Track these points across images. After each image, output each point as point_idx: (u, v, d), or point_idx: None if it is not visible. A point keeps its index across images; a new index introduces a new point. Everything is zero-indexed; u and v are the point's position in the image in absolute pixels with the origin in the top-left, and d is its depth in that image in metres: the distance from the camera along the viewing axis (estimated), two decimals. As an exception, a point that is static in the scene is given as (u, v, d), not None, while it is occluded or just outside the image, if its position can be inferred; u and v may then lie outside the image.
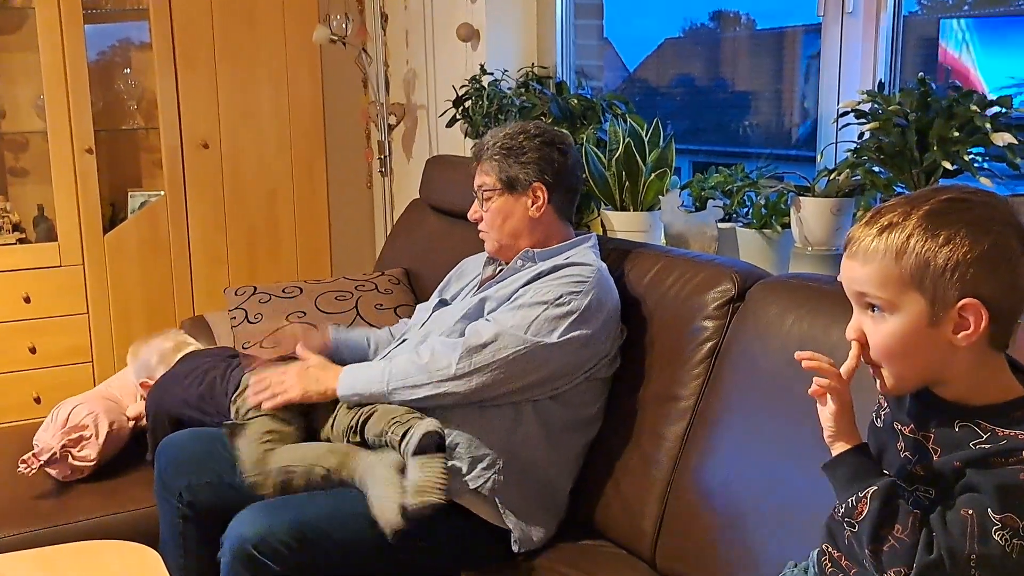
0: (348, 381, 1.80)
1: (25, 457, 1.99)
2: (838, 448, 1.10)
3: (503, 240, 1.93)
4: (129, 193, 3.41)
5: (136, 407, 2.17)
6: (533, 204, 1.89)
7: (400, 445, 1.64)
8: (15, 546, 1.76)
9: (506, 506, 1.75)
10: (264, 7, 3.37)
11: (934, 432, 1.06)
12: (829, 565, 1.17)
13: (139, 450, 2.12)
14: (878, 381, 1.08)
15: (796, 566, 1.25)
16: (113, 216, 3.36)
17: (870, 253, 1.03)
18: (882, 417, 1.16)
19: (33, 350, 3.12)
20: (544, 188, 1.88)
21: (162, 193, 3.34)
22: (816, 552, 1.21)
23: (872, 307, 1.05)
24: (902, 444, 1.09)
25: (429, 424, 1.65)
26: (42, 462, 1.98)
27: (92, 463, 2.04)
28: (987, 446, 0.99)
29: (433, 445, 1.64)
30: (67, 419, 2.04)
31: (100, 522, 1.93)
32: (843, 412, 1.09)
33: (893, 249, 1.01)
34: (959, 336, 1.00)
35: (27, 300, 3.13)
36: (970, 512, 0.97)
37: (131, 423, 2.15)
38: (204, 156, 3.35)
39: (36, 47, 3.08)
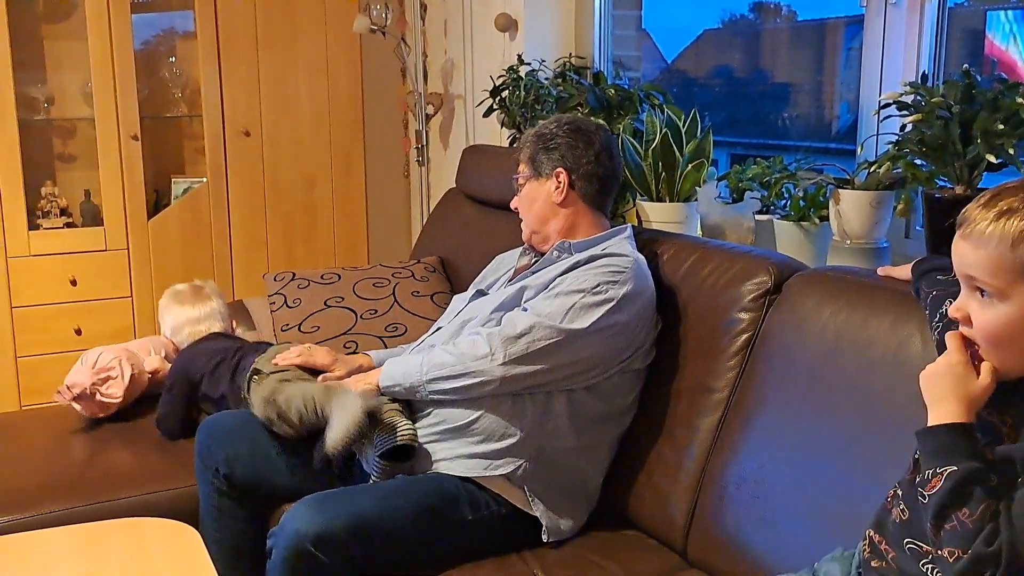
0: (388, 371, 1.83)
1: (60, 389, 2.17)
2: (937, 415, 1.05)
3: (532, 225, 1.97)
4: (172, 179, 3.47)
5: (152, 361, 2.32)
6: (556, 189, 1.93)
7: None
8: (58, 521, 1.79)
9: (535, 495, 1.76)
10: (306, -2, 3.41)
11: (1011, 418, 1.03)
12: (868, 550, 1.16)
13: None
14: (991, 364, 1.04)
15: (844, 553, 1.25)
16: (157, 202, 3.43)
17: (985, 237, 1.00)
18: None
19: (79, 332, 3.19)
20: (565, 172, 1.92)
21: (204, 180, 3.39)
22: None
23: (981, 291, 1.03)
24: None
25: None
26: (75, 395, 2.16)
27: (118, 400, 2.22)
28: None
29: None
30: (95, 361, 2.23)
31: (142, 500, 1.97)
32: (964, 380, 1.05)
33: (1009, 237, 0.98)
34: None
35: (73, 283, 3.20)
36: None
37: (148, 375, 2.30)
38: (245, 144, 3.39)
39: (84, 35, 3.15)
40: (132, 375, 2.24)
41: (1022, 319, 1.00)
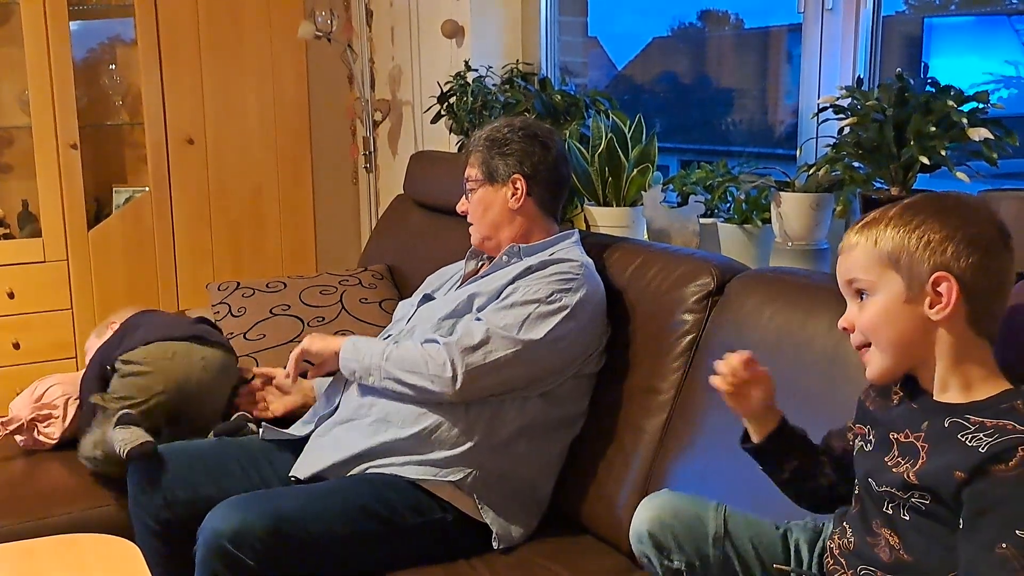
0: (350, 347, 1.83)
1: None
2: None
3: (485, 231, 1.94)
4: (114, 189, 3.39)
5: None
6: (512, 195, 1.90)
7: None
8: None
9: (485, 502, 1.76)
10: (249, 3, 3.37)
11: (924, 431, 1.08)
12: (830, 561, 1.20)
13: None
14: (867, 368, 1.14)
15: (815, 525, 1.30)
16: (98, 212, 3.35)
17: (852, 245, 1.13)
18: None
19: (17, 345, 3.10)
20: (523, 179, 1.90)
21: (147, 189, 3.33)
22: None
23: (861, 295, 1.13)
24: (896, 451, 1.10)
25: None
26: (8, 431, 2.12)
27: (54, 440, 2.14)
28: (982, 442, 1.01)
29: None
30: (42, 396, 2.16)
31: (80, 516, 1.91)
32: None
33: (873, 237, 1.11)
34: (934, 311, 1.06)
35: (11, 295, 3.11)
36: (1004, 547, 0.97)
37: None
38: (189, 152, 3.34)
39: (21, 42, 3.07)
40: (77, 414, 2.14)
41: (892, 305, 1.09)
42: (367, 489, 1.71)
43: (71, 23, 3.13)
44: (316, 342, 1.90)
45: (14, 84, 3.22)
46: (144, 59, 3.23)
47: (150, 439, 1.81)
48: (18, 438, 2.15)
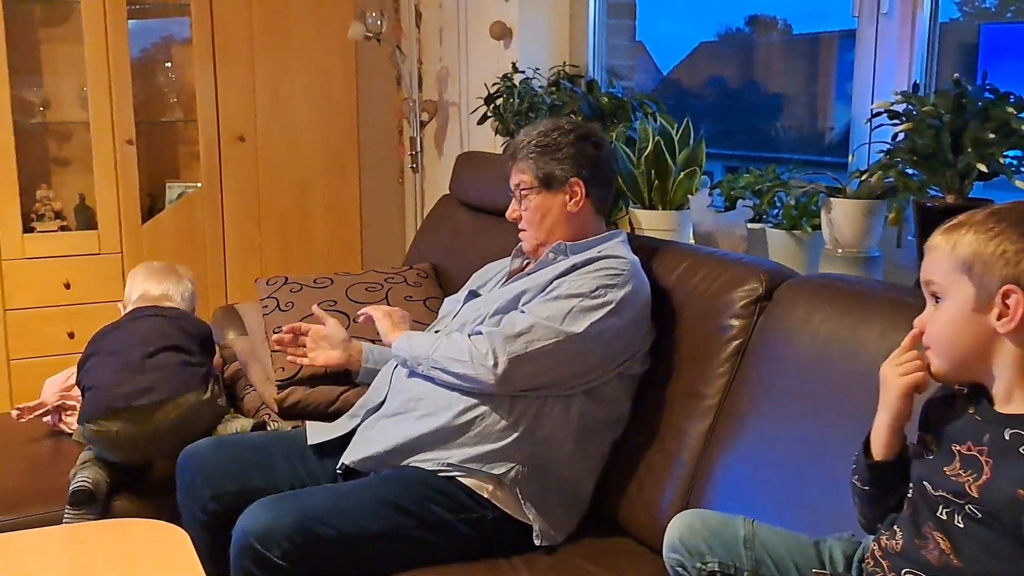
0: (404, 338, 1.89)
1: (21, 407, 2.22)
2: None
3: (542, 237, 1.92)
4: (167, 184, 3.47)
5: None
6: (571, 199, 1.89)
7: None
8: (47, 523, 1.80)
9: (527, 499, 1.76)
10: (301, 4, 3.42)
11: (986, 444, 1.07)
12: (871, 563, 1.18)
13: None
14: (930, 365, 1.14)
15: (851, 537, 1.28)
16: (151, 206, 3.42)
17: (934, 246, 1.13)
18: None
19: (72, 335, 3.18)
20: (581, 183, 1.89)
21: (199, 184, 3.40)
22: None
23: (936, 298, 1.13)
24: (957, 463, 1.09)
25: None
26: (32, 416, 2.22)
27: (71, 431, 2.21)
28: None
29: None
30: (66, 379, 2.24)
31: (131, 502, 1.97)
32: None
33: (953, 241, 1.10)
34: (1000, 323, 1.06)
35: (67, 286, 3.20)
36: None
37: None
38: (240, 149, 3.40)
39: (81, 40, 3.15)
40: None
41: (961, 312, 1.09)
42: (400, 486, 1.72)
43: (129, 22, 3.19)
44: (383, 321, 2.00)
45: (73, 80, 3.30)
46: (198, 58, 3.30)
47: (87, 486, 1.92)
48: (46, 419, 2.23)
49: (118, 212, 3.23)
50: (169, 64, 3.52)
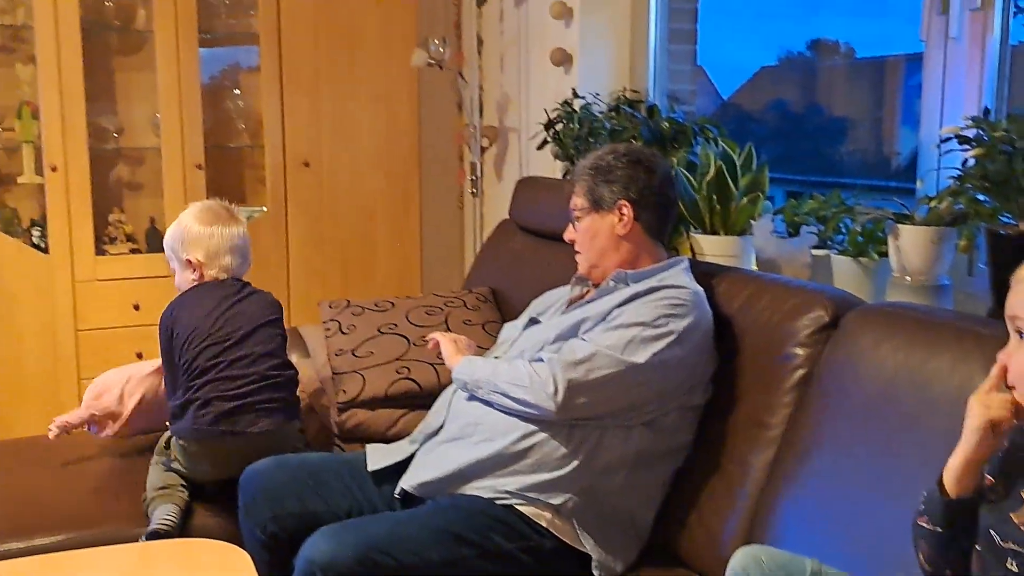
0: (465, 364, 1.91)
1: (59, 424, 2.18)
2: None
3: (593, 259, 1.94)
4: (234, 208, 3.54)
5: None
6: (619, 221, 1.90)
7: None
8: (111, 541, 1.82)
9: (584, 529, 1.75)
10: (366, 33, 3.49)
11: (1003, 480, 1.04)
12: None
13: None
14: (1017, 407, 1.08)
15: None
16: (218, 230, 3.50)
17: (1019, 279, 1.08)
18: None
19: (140, 355, 3.25)
20: (629, 205, 1.89)
21: (264, 209, 3.47)
22: None
23: (1021, 335, 1.08)
24: None
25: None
26: (66, 432, 2.19)
27: (111, 436, 2.23)
28: None
29: None
30: (101, 395, 2.22)
31: (194, 523, 1.99)
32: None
33: None
34: None
35: (136, 308, 3.28)
36: None
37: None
38: (305, 174, 3.47)
39: (154, 68, 3.26)
40: (136, 408, 2.20)
41: None
42: (459, 515, 1.72)
43: (199, 50, 3.29)
44: (447, 346, 2.03)
45: (146, 107, 3.41)
46: (266, 85, 3.38)
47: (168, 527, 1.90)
48: (88, 429, 2.23)
49: (187, 235, 3.31)
50: (238, 91, 3.61)
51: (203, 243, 2.13)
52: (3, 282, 3.17)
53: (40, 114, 3.14)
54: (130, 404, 2.20)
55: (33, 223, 3.30)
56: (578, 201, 1.95)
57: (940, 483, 1.14)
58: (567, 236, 2.00)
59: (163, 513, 1.92)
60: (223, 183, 3.53)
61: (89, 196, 3.21)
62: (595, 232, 1.92)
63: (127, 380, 2.24)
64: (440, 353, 2.06)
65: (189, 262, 2.13)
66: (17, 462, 2.23)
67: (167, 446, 2.08)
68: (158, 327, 2.12)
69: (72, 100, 3.14)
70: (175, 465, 2.04)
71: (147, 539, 1.87)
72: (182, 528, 1.93)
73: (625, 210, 1.89)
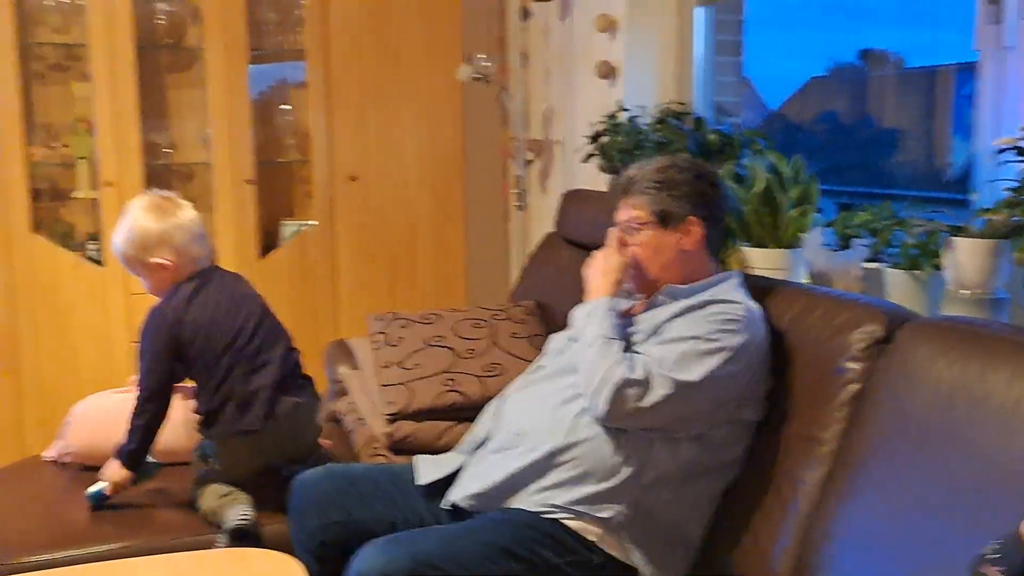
0: (585, 311, 1.87)
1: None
2: None
3: (655, 273, 1.89)
4: (282, 222, 3.60)
5: None
6: (686, 237, 1.87)
7: None
8: (166, 550, 1.86)
9: (633, 543, 1.74)
10: (411, 48, 3.53)
11: None
12: None
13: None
14: None
15: None
16: (268, 243, 3.56)
17: None
18: None
19: (189, 367, 3.32)
20: (699, 222, 1.87)
21: (313, 223, 3.52)
22: None
23: None
24: None
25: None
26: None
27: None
28: None
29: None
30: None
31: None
32: None
33: None
34: None
35: (186, 320, 3.33)
36: None
37: None
38: (352, 188, 3.51)
39: (204, 85, 3.33)
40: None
41: None
42: (508, 529, 1.72)
43: (249, 66, 3.35)
44: (599, 265, 1.93)
45: (197, 123, 3.48)
46: (314, 100, 3.43)
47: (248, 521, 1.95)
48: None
49: (237, 248, 3.37)
50: (286, 107, 3.67)
51: (167, 241, 2.04)
52: (60, 294, 3.25)
53: (95, 130, 3.22)
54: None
55: (89, 237, 3.38)
56: (639, 214, 1.89)
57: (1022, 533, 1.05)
58: (618, 243, 1.92)
59: (239, 512, 1.94)
60: (272, 197, 3.59)
61: (143, 211, 3.27)
62: (658, 247, 1.88)
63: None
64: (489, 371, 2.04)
65: (161, 264, 2.06)
66: (73, 470, 2.27)
67: (203, 458, 2.09)
68: (152, 344, 2.03)
69: (126, 117, 3.22)
70: (214, 473, 2.07)
71: (230, 538, 1.91)
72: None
73: (694, 227, 1.87)
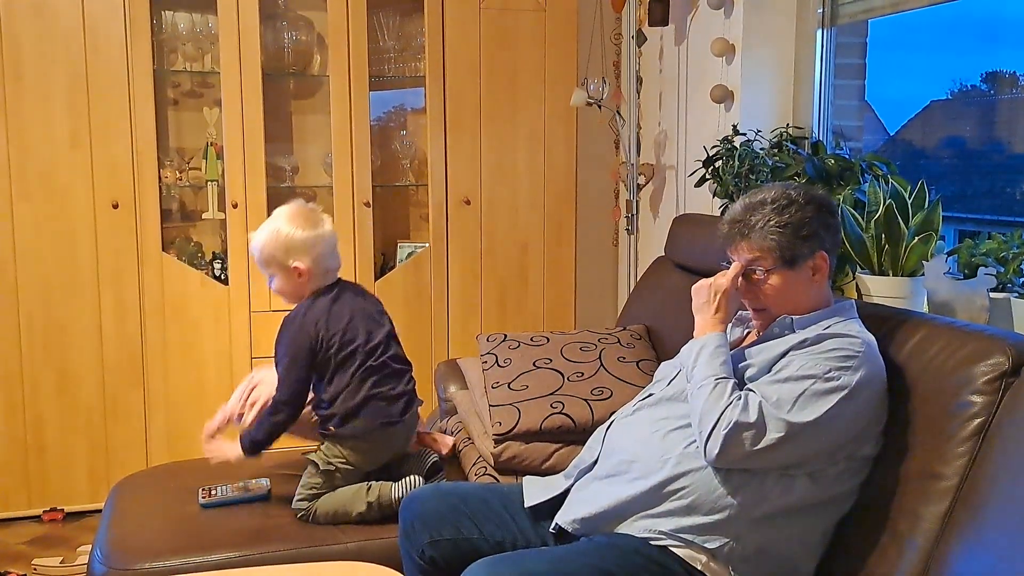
0: (697, 346, 1.85)
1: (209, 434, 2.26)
2: None
3: (786, 311, 1.83)
4: (398, 244, 3.70)
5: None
6: (815, 273, 1.82)
7: None
8: (278, 561, 1.94)
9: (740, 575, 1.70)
10: (527, 74, 3.59)
11: None
12: None
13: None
14: None
15: None
16: (384, 264, 3.66)
17: None
18: None
19: (306, 381, 3.43)
20: (827, 255, 1.83)
21: (427, 245, 3.60)
22: None
23: None
24: None
25: None
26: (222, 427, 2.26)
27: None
28: None
29: None
30: (251, 392, 2.30)
31: (359, 545, 2.08)
32: None
33: None
34: None
35: (305, 336, 3.46)
36: None
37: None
38: (465, 211, 3.58)
39: (327, 110, 3.46)
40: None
41: None
42: (614, 554, 1.71)
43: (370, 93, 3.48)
44: (711, 292, 1.88)
45: (319, 148, 3.62)
46: (431, 126, 3.53)
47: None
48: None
49: (355, 269, 3.48)
50: (404, 132, 3.78)
51: (308, 249, 2.18)
52: (188, 311, 3.42)
53: (224, 154, 3.39)
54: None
55: (215, 256, 3.56)
56: (762, 256, 1.82)
57: None
58: (743, 292, 1.87)
59: (408, 479, 2.20)
60: (388, 220, 3.70)
61: (266, 231, 3.42)
62: (788, 286, 1.82)
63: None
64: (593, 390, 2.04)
65: (297, 269, 2.18)
66: (196, 480, 2.38)
67: (323, 463, 2.19)
68: (290, 351, 2.17)
69: (253, 141, 3.38)
70: (339, 470, 2.20)
71: (426, 478, 2.23)
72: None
73: (823, 262, 1.82)
